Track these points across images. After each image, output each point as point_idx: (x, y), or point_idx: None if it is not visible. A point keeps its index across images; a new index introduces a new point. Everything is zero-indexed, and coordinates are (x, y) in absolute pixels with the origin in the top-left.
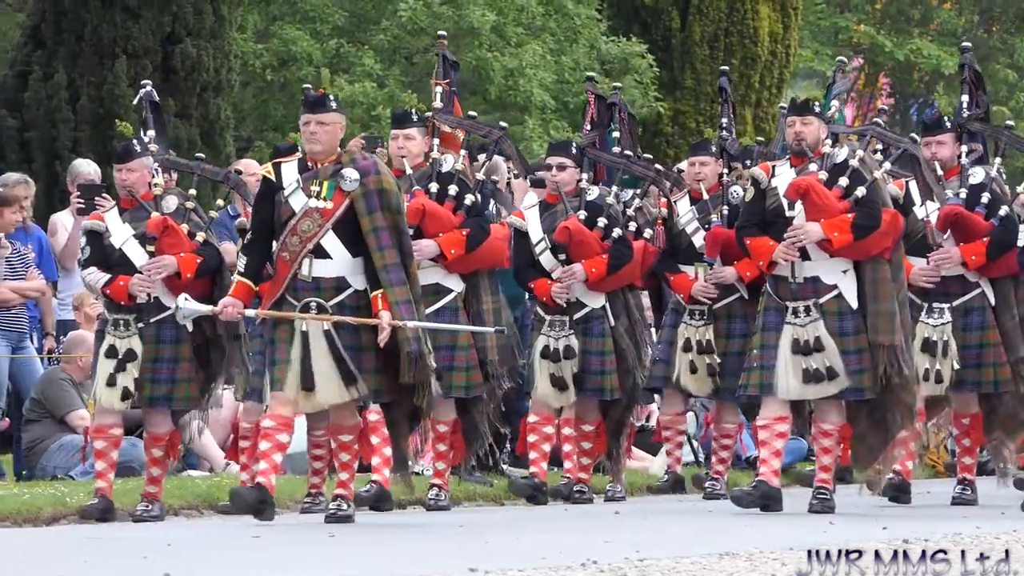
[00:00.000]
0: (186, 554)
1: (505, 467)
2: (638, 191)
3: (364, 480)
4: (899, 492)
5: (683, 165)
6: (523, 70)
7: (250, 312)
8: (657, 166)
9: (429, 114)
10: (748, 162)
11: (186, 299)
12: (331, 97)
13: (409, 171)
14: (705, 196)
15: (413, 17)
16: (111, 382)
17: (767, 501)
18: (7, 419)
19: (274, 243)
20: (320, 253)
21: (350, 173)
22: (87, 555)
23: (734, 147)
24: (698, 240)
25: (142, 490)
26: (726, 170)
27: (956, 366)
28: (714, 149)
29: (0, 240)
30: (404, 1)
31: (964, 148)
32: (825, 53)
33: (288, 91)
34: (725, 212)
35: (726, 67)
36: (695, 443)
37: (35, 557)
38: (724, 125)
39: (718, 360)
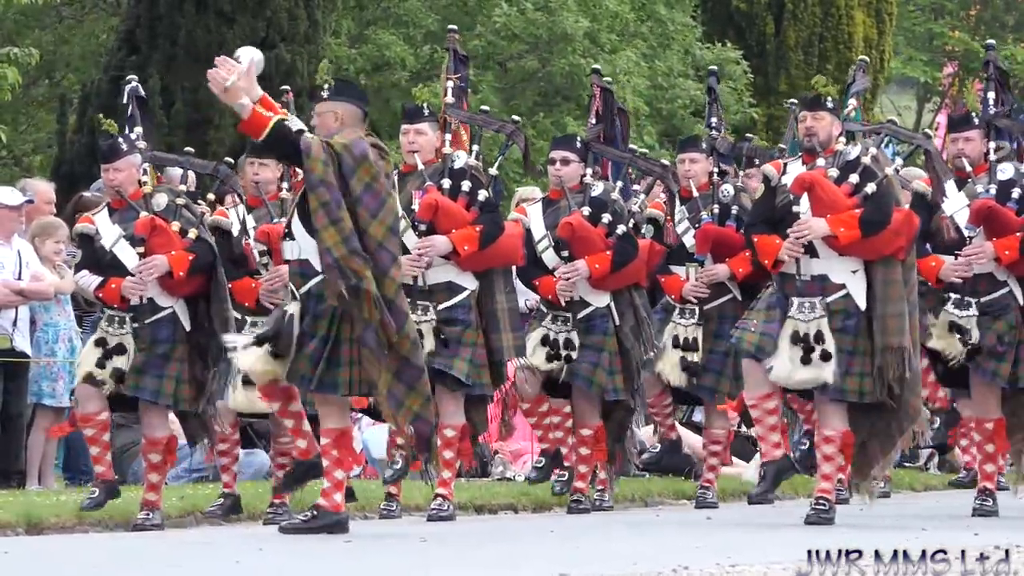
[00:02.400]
0: (278, 559)
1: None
2: (635, 187)
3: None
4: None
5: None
6: (617, 76)
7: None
8: (664, 163)
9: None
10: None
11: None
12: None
13: (421, 166)
14: (695, 194)
15: (507, 23)
16: (99, 365)
17: (781, 476)
18: None
19: None
20: (290, 234)
21: None
22: (178, 559)
23: (723, 145)
24: (688, 240)
25: (140, 498)
26: (716, 169)
27: (973, 341)
28: (704, 146)
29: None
30: (498, 7)
31: (992, 145)
32: (919, 59)
33: (382, 96)
34: (716, 211)
35: (715, 67)
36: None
37: (126, 561)
38: (713, 124)
39: (696, 359)
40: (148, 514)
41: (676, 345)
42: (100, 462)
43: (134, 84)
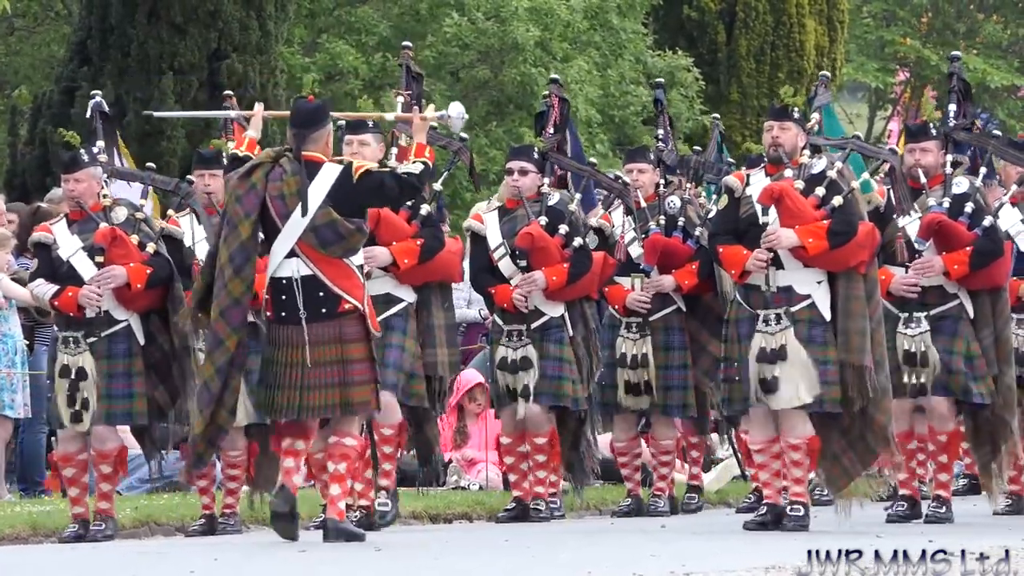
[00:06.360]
0: (233, 569)
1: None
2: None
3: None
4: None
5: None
6: (569, 86)
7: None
8: (623, 177)
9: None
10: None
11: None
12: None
13: None
14: (643, 204)
15: (458, 33)
16: (69, 404)
17: (779, 520)
18: None
19: None
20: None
21: None
22: (134, 569)
23: (671, 157)
24: (634, 250)
25: (94, 507)
26: (663, 180)
27: (921, 381)
28: (652, 157)
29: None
30: (449, 16)
31: (950, 158)
32: (870, 66)
33: (335, 105)
34: (663, 222)
35: (661, 79)
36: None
37: (81, 572)
38: (660, 136)
39: (647, 377)
40: (101, 524)
41: (623, 364)
42: (79, 503)
43: (98, 99)
